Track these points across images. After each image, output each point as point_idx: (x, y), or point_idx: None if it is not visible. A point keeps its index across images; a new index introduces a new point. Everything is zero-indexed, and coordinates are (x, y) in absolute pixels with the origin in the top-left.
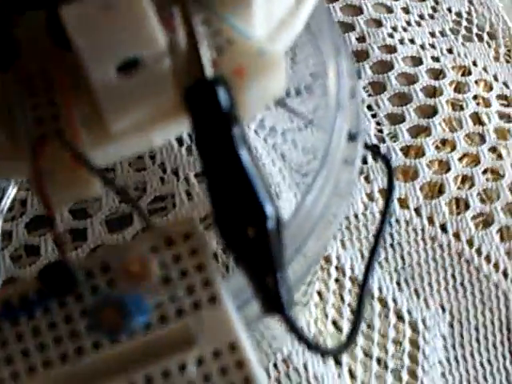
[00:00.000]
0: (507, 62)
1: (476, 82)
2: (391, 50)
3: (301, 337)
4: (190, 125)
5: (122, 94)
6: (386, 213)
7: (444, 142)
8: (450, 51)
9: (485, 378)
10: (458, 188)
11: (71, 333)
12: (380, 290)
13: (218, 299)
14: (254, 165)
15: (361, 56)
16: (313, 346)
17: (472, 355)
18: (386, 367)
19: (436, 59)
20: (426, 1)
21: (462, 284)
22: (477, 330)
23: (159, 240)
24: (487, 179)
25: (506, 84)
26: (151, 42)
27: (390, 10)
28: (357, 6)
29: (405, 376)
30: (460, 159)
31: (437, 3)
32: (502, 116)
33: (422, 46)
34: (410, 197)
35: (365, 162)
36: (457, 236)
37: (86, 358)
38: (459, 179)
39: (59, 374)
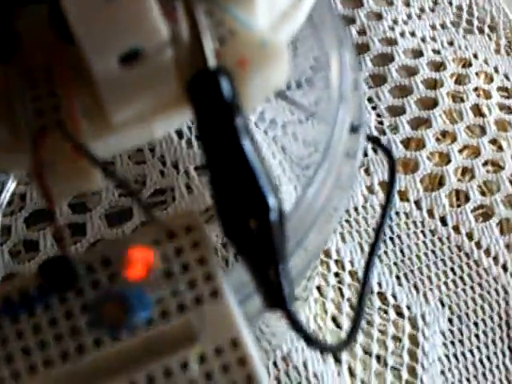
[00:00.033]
0: (508, 54)
1: (477, 73)
2: (392, 42)
3: (302, 333)
4: (193, 115)
5: (124, 85)
6: (386, 207)
7: (444, 133)
8: (450, 44)
9: (484, 376)
10: (459, 180)
11: (72, 329)
12: (379, 284)
13: (219, 294)
14: (256, 156)
15: (361, 49)
16: (314, 343)
17: (471, 352)
18: (385, 365)
19: (437, 52)
20: None
21: (461, 278)
22: (476, 325)
23: (161, 233)
24: (487, 171)
25: (506, 76)
26: (153, 32)
27: (390, 3)
28: None
29: (404, 374)
30: (460, 151)
31: None
32: (502, 108)
33: (423, 39)
34: (410, 189)
35: (365, 154)
36: (456, 229)
37: (87, 356)
38: (459, 171)
39: (60, 372)
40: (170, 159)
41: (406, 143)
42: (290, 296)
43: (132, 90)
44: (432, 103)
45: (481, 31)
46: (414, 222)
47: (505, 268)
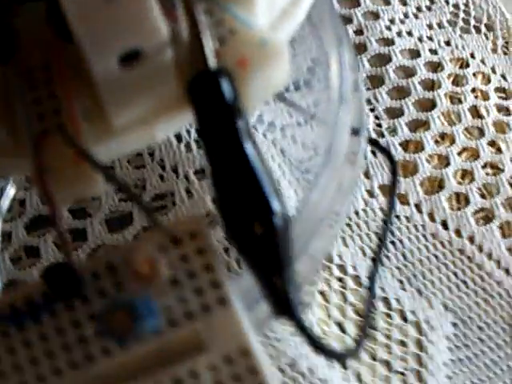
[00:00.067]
0: (505, 53)
1: (474, 74)
2: (389, 42)
3: (310, 339)
4: (194, 117)
5: (124, 86)
6: (390, 213)
7: (443, 136)
8: (447, 43)
9: (490, 379)
10: (458, 183)
11: (79, 338)
12: (382, 289)
13: (227, 301)
14: (259, 158)
15: (359, 49)
16: (322, 349)
17: (476, 356)
18: (391, 370)
19: (434, 52)
20: None
21: (464, 282)
22: (480, 328)
23: (165, 239)
24: (487, 173)
25: (503, 76)
26: (153, 32)
27: (387, 2)
28: None
29: (411, 378)
30: (459, 153)
31: None
32: (500, 109)
33: (420, 39)
34: (409, 192)
35: (364, 157)
36: (458, 232)
37: (96, 365)
38: (459, 174)
39: (69, 382)
40: (169, 163)
41: (405, 146)
42: (297, 303)
43: (132, 90)
44: (430, 105)
45: (478, 30)
46: (415, 226)
47: (507, 271)
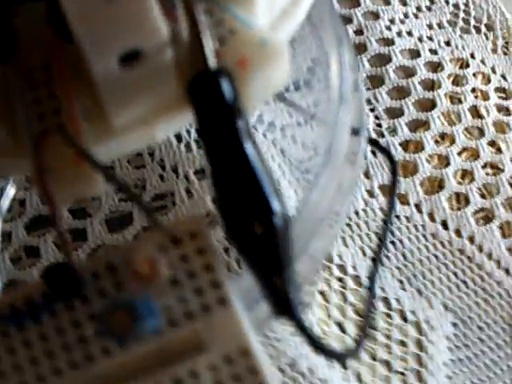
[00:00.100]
0: (505, 54)
1: (474, 74)
2: (389, 42)
3: (311, 339)
4: (194, 118)
5: (124, 86)
6: (390, 213)
7: (443, 136)
8: (447, 43)
9: (490, 378)
10: (458, 183)
11: (79, 338)
12: (382, 289)
13: (227, 301)
14: (259, 158)
15: (359, 49)
16: (323, 350)
17: (476, 356)
18: (391, 370)
19: (434, 52)
20: None
21: (464, 282)
22: (480, 329)
23: (165, 239)
24: (487, 173)
25: (503, 76)
26: (153, 32)
27: (387, 2)
28: None
29: (411, 378)
30: (459, 153)
31: None
32: (500, 109)
33: (420, 39)
34: (409, 192)
35: (364, 157)
36: (458, 232)
37: (96, 365)
38: (459, 174)
39: (68, 382)
40: (169, 163)
41: (405, 146)
42: (297, 303)
43: (132, 90)
44: (430, 105)
45: (478, 30)
46: (415, 226)
47: (507, 271)
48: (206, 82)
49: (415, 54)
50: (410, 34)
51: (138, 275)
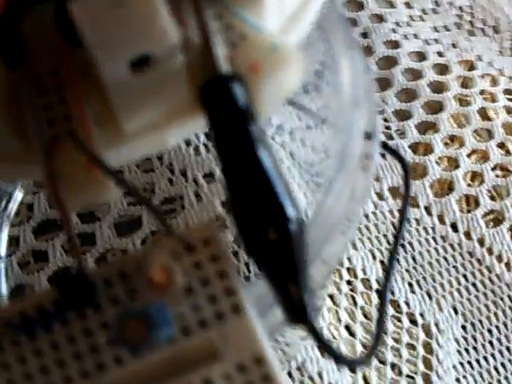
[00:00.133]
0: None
1: (482, 76)
2: (395, 45)
3: (325, 346)
4: (207, 124)
5: (135, 92)
6: (402, 222)
7: (452, 138)
8: (454, 46)
9: (499, 382)
10: (468, 185)
11: (92, 347)
12: (392, 292)
13: (241, 309)
14: (273, 163)
15: (365, 52)
16: (337, 357)
17: (486, 359)
18: (400, 373)
19: (441, 54)
20: None
21: (474, 284)
22: (490, 332)
23: (178, 246)
24: (497, 175)
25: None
26: (164, 37)
27: (392, 5)
28: (359, 2)
29: (420, 382)
30: (469, 155)
31: None
32: (509, 111)
33: (426, 41)
34: (419, 195)
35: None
36: (468, 235)
37: (108, 375)
38: (469, 176)
39: None
40: (178, 167)
41: (414, 148)
42: (312, 310)
43: (143, 96)
44: (439, 107)
45: (484, 33)
46: (425, 228)
47: None
48: (219, 87)
49: (422, 56)
50: (416, 36)
51: (153, 283)
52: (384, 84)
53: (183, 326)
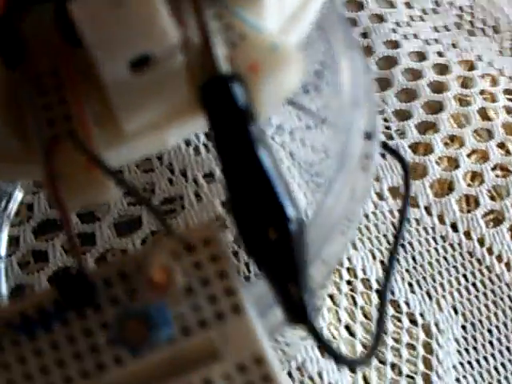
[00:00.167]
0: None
1: (482, 76)
2: (395, 45)
3: (326, 347)
4: (207, 123)
5: (134, 92)
6: (402, 222)
7: (452, 138)
8: (454, 46)
9: (499, 382)
10: (468, 185)
11: (91, 347)
12: (392, 292)
13: (241, 309)
14: (273, 164)
15: (365, 52)
16: (338, 357)
17: (486, 359)
18: (400, 373)
19: (441, 54)
20: None
21: (474, 284)
22: (490, 332)
23: (178, 246)
24: (497, 175)
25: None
26: (164, 37)
27: (392, 5)
28: (359, 2)
29: (420, 382)
30: (469, 155)
31: None
32: (509, 111)
33: (427, 41)
34: (419, 195)
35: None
36: (467, 235)
37: (108, 375)
38: (469, 176)
39: None
40: (178, 167)
41: (414, 148)
42: (312, 310)
43: (143, 96)
44: (439, 107)
45: (484, 32)
46: (425, 228)
47: None
48: (219, 87)
49: (422, 56)
50: (416, 36)
51: (153, 283)
52: (384, 84)
53: (183, 325)
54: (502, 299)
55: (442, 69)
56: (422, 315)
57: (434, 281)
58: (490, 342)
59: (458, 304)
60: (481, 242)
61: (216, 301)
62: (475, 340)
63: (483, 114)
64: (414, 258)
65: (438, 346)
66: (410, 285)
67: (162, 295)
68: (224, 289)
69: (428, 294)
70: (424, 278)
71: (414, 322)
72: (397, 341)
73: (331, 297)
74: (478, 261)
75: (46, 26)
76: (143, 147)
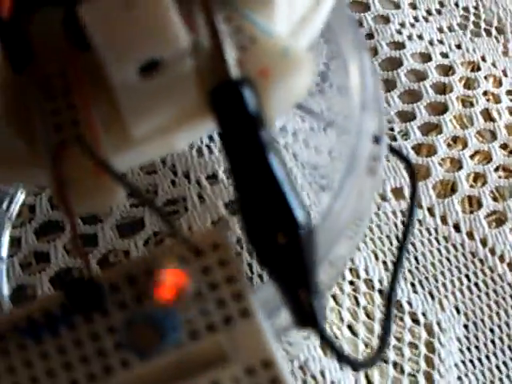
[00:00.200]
0: None
1: (485, 77)
2: (400, 46)
3: (335, 350)
4: (217, 128)
5: (143, 96)
6: (408, 225)
7: (455, 139)
8: (458, 47)
9: (501, 381)
10: (471, 186)
11: (99, 351)
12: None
13: (250, 313)
14: (283, 168)
15: (370, 53)
16: (346, 359)
17: (488, 358)
18: (402, 372)
19: (445, 55)
20: None
21: (476, 284)
22: (492, 331)
23: (186, 251)
24: (499, 176)
25: None
26: (174, 41)
27: (397, 6)
28: (364, 3)
29: (421, 380)
30: (472, 157)
31: None
32: None
33: (431, 42)
34: (422, 196)
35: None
36: (470, 235)
37: (114, 378)
38: (471, 177)
39: None
40: (181, 169)
41: (418, 149)
42: (321, 314)
43: (152, 100)
44: (442, 108)
45: (488, 33)
46: (428, 229)
47: None
48: (229, 92)
49: (426, 57)
50: (420, 37)
51: (163, 289)
52: (388, 85)
53: (191, 330)
54: (503, 299)
55: (446, 70)
56: (424, 315)
57: (437, 281)
58: (492, 341)
59: (461, 304)
60: (483, 242)
61: (224, 305)
62: (477, 339)
63: (486, 115)
64: (416, 259)
65: (440, 345)
66: (413, 285)
67: (171, 300)
68: (232, 293)
69: (430, 293)
70: (426, 278)
71: (416, 321)
72: (399, 340)
73: (334, 297)
74: (481, 261)
75: (54, 30)
76: (151, 151)
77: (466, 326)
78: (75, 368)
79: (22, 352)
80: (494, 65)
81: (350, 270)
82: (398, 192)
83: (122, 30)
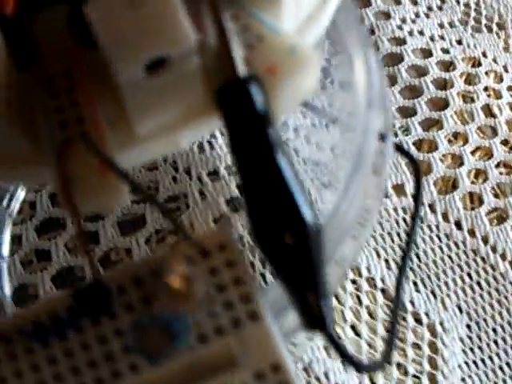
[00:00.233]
0: None
1: (486, 73)
2: (401, 42)
3: (343, 353)
4: (223, 126)
5: (149, 94)
6: (414, 227)
7: (456, 135)
8: (459, 42)
9: (505, 382)
10: (472, 182)
11: (106, 355)
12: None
13: (258, 315)
14: (290, 167)
15: None
16: (353, 363)
17: (491, 358)
18: (406, 373)
19: (446, 51)
20: None
21: (478, 283)
22: (495, 331)
23: (193, 252)
24: (500, 173)
25: None
26: (180, 39)
27: (398, 2)
28: None
29: (425, 382)
30: (473, 153)
31: None
32: None
33: (432, 38)
34: (423, 192)
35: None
36: (472, 233)
37: (122, 382)
38: (472, 173)
39: None
40: (182, 165)
41: (418, 145)
42: (329, 316)
43: (157, 98)
44: (443, 104)
45: (489, 29)
46: (429, 226)
47: None
48: (237, 90)
49: (427, 53)
50: (421, 33)
51: (173, 291)
52: (389, 81)
53: (200, 333)
54: (506, 298)
55: (447, 65)
56: (426, 314)
57: (439, 279)
58: (495, 341)
59: (463, 303)
60: (485, 240)
61: (232, 307)
62: (480, 339)
63: (487, 110)
64: (418, 257)
65: (444, 346)
66: (415, 283)
67: (181, 303)
68: (240, 295)
69: (433, 292)
70: (428, 276)
71: (419, 321)
72: (402, 340)
73: (336, 296)
74: (483, 259)
75: (58, 30)
76: (156, 149)
77: (468, 326)
78: (83, 372)
79: (29, 356)
80: (494, 60)
81: (352, 268)
82: (399, 188)
83: (128, 28)
